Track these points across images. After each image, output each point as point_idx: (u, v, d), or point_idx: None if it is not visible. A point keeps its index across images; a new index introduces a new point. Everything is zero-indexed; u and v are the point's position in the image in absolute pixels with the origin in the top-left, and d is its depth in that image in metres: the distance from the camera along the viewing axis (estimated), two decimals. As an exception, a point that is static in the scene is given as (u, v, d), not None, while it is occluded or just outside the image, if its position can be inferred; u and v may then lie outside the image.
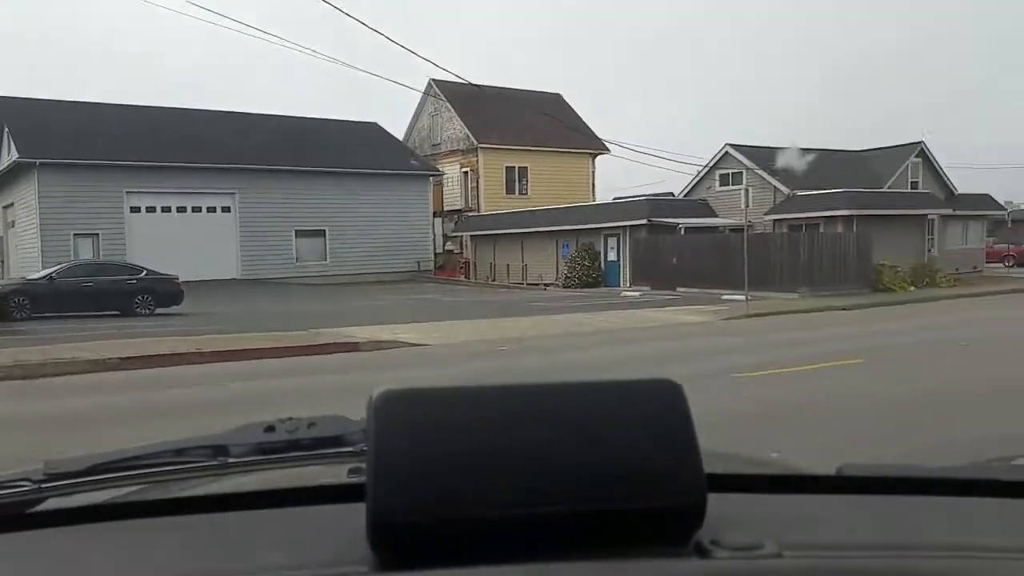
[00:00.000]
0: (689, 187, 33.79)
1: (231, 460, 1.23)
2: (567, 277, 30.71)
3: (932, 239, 31.16)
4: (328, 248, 32.59)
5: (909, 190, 32.54)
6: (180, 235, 29.24)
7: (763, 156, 31.23)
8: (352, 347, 12.16)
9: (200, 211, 30.65)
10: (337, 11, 17.88)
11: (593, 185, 40.23)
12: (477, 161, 37.43)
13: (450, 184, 38.58)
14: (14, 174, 29.14)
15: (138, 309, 19.36)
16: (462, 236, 37.44)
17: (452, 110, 38.13)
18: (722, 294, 23.05)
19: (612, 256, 30.36)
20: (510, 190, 37.91)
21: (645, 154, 68.13)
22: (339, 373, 9.93)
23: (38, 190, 27.53)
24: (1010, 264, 39.02)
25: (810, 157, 31.22)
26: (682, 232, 28.71)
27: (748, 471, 1.25)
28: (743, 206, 21.15)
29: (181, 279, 20.57)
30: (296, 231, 31.88)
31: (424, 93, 37.94)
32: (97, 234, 28.33)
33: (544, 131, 36.44)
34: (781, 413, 7.42)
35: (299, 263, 31.87)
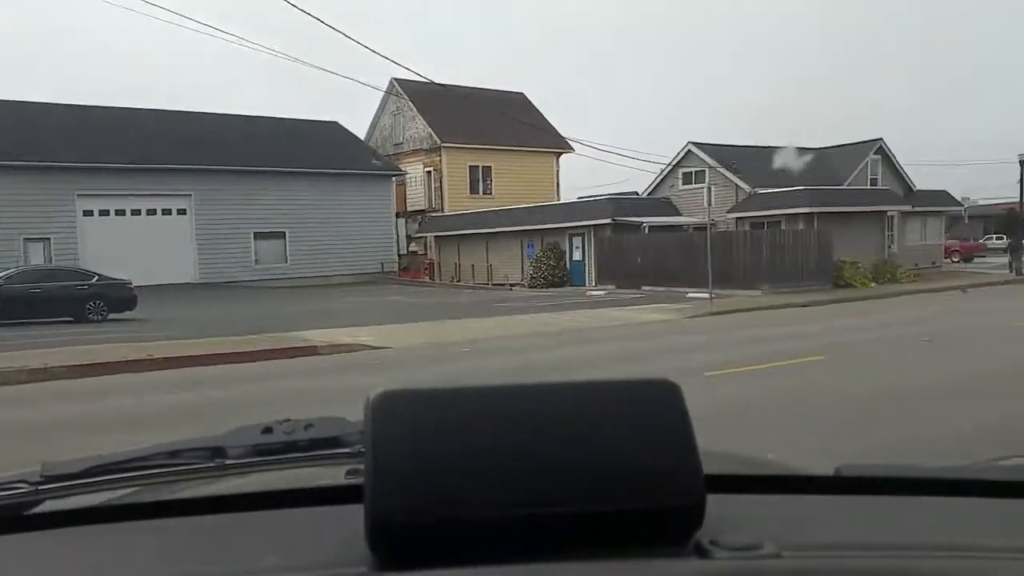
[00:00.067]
0: (653, 186, 33.84)
1: (228, 462, 1.22)
2: (532, 277, 30.57)
3: (892, 235, 31.57)
4: (288, 250, 32.06)
5: (869, 187, 32.95)
6: (135, 239, 28.54)
7: (725, 154, 31.41)
8: (310, 351, 11.85)
9: (155, 214, 29.95)
10: (295, 8, 17.51)
11: (558, 184, 40.15)
12: (440, 161, 37.11)
13: (413, 184, 38.22)
14: (-41, 177, 28.23)
15: (90, 315, 18.84)
16: (426, 237, 37.10)
17: (414, 109, 37.76)
18: (687, 292, 23.12)
19: (577, 255, 30.30)
20: (474, 190, 37.66)
21: (609, 152, 68.33)
22: (295, 378, 9.65)
23: (-16, 193, 26.72)
24: (956, 260, 39.73)
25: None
26: (646, 231, 28.72)
27: (747, 472, 1.25)
28: (706, 204, 21.20)
29: (137, 284, 20.07)
30: (255, 233, 31.30)
31: (386, 92, 37.54)
32: (48, 238, 27.56)
33: (508, 130, 36.25)
34: (743, 411, 7.35)
35: (259, 266, 31.30)
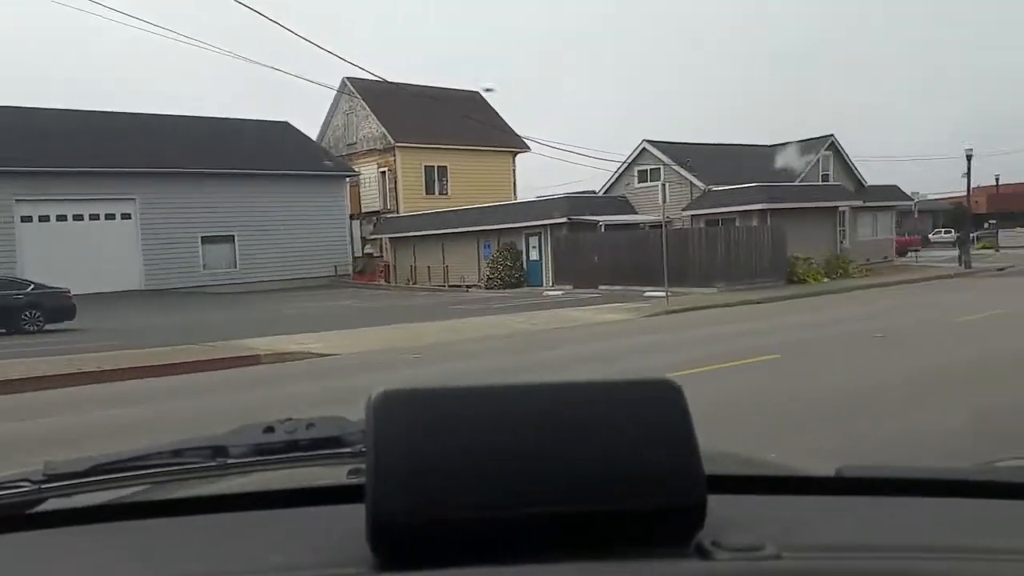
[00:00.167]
0: (608, 184, 33.76)
1: (230, 461, 1.22)
2: (489, 278, 30.27)
3: (844, 231, 31.93)
4: (238, 254, 31.25)
5: (821, 183, 33.29)
6: (77, 245, 27.54)
7: (680, 152, 31.45)
8: (252, 360, 11.36)
9: (98, 219, 28.96)
10: (242, 6, 16.94)
11: (515, 184, 39.90)
12: (395, 161, 36.59)
13: (367, 185, 37.64)
14: None
15: (26, 326, 18.12)
16: (381, 238, 36.54)
17: (367, 108, 37.18)
18: (644, 291, 23.06)
19: (534, 255, 30.08)
20: (430, 190, 37.22)
21: (565, 151, 68.05)
22: (230, 392, 9.18)
23: (-86, 199, 25.56)
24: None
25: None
26: (602, 229, 28.60)
27: (748, 472, 1.25)
28: (661, 202, 21.15)
29: (79, 292, 19.38)
30: (202, 237, 30.46)
31: (338, 91, 36.92)
32: (-16, 246, 26.46)
33: (464, 130, 35.87)
34: (710, 413, 7.11)
35: (206, 271, 30.46)
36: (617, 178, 33.33)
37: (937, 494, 1.06)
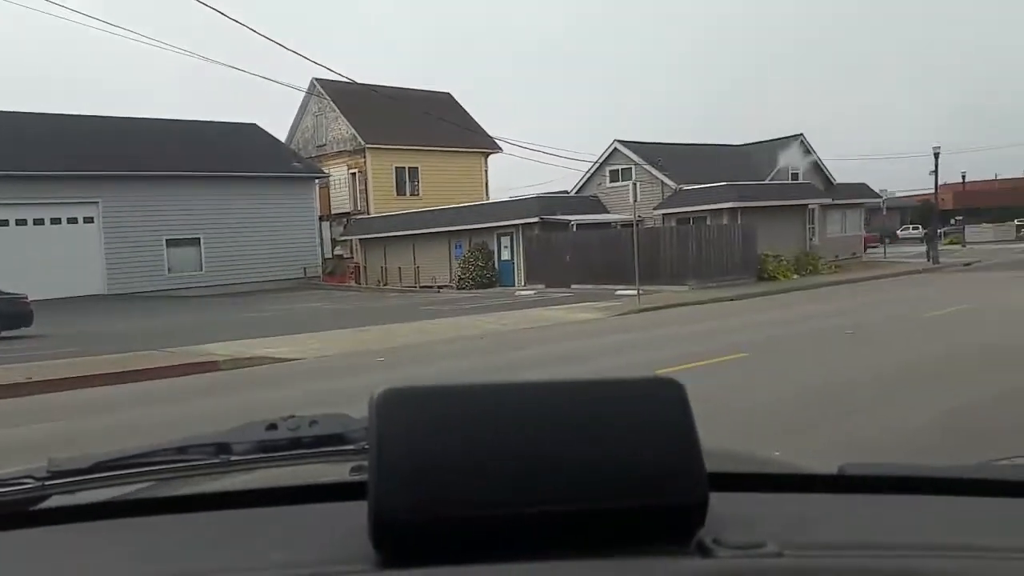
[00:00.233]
0: (580, 184, 33.69)
1: (233, 458, 1.22)
2: (461, 278, 30.05)
3: (813, 228, 32.14)
4: (204, 257, 30.67)
5: (790, 181, 33.49)
6: (38, 250, 26.82)
7: (651, 152, 31.47)
8: (210, 367, 11.03)
9: (60, 222, 28.26)
10: (211, 9, 16.58)
11: (486, 184, 39.70)
12: (365, 162, 36.21)
13: (338, 186, 37.23)
14: None
15: (-21, 333, 17.50)
16: (351, 240, 36.14)
17: (337, 110, 36.77)
18: (616, 289, 23.00)
19: (506, 255, 29.90)
20: (401, 191, 36.89)
21: (537, 151, 68.00)
22: (178, 402, 8.82)
23: None
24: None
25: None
26: (574, 229, 28.50)
27: (750, 470, 1.24)
28: (632, 201, 21.10)
29: (39, 297, 18.81)
30: (167, 240, 29.84)
31: (307, 92, 36.44)
32: (-60, 251, 25.71)
33: (434, 130, 35.56)
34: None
35: (172, 274, 29.86)
36: (589, 178, 33.27)
37: (939, 492, 1.05)
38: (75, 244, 28.10)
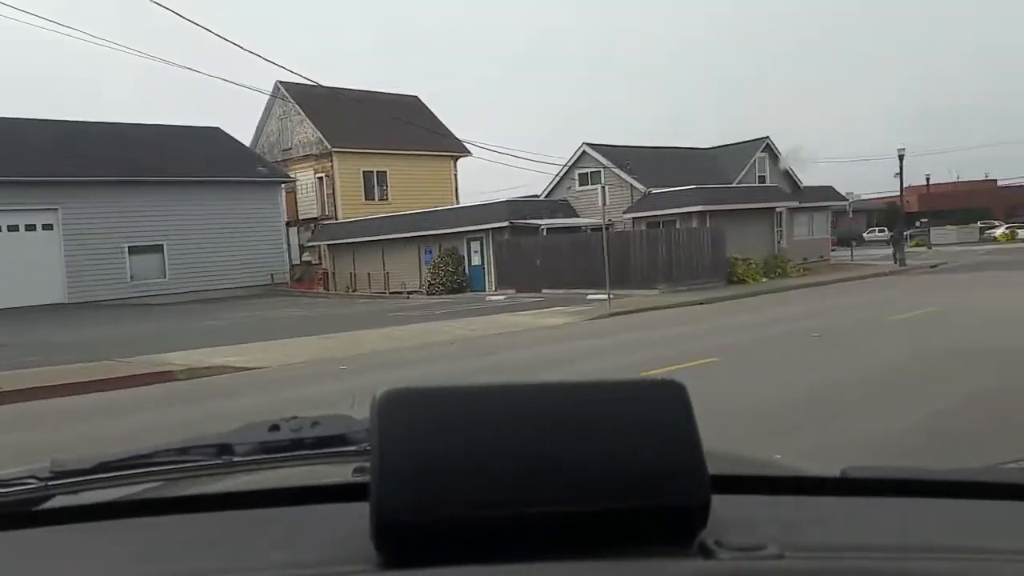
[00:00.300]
0: (550, 187, 33.59)
1: (236, 459, 1.22)
2: (431, 284, 29.76)
3: (781, 231, 32.34)
4: (167, 265, 30.01)
5: (758, 184, 33.68)
6: (-6, 258, 26.10)
7: (620, 155, 31.46)
8: (166, 377, 10.65)
9: (17, 230, 27.46)
10: (169, 11, 16.18)
11: (456, 188, 39.47)
12: (332, 166, 35.78)
13: (304, 191, 36.74)
14: None
15: (-69, 344, 16.89)
16: (319, 245, 35.66)
17: (302, 113, 36.29)
18: (587, 294, 22.90)
19: (476, 260, 29.68)
20: (369, 196, 36.51)
21: (506, 155, 67.85)
22: (126, 414, 8.45)
23: None
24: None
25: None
26: (544, 233, 28.36)
27: (752, 472, 1.24)
28: (600, 204, 20.99)
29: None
30: (129, 247, 29.14)
31: (271, 96, 35.98)
32: None
33: (402, 134, 35.25)
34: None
35: (134, 282, 29.17)
36: (558, 181, 33.18)
37: (941, 495, 1.05)
38: (34, 252, 27.32)
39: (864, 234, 58.20)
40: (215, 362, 11.68)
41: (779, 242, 31.55)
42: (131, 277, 29.27)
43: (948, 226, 57.79)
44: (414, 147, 36.82)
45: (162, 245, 29.84)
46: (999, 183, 72.03)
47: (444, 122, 39.97)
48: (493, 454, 0.74)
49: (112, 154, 28.63)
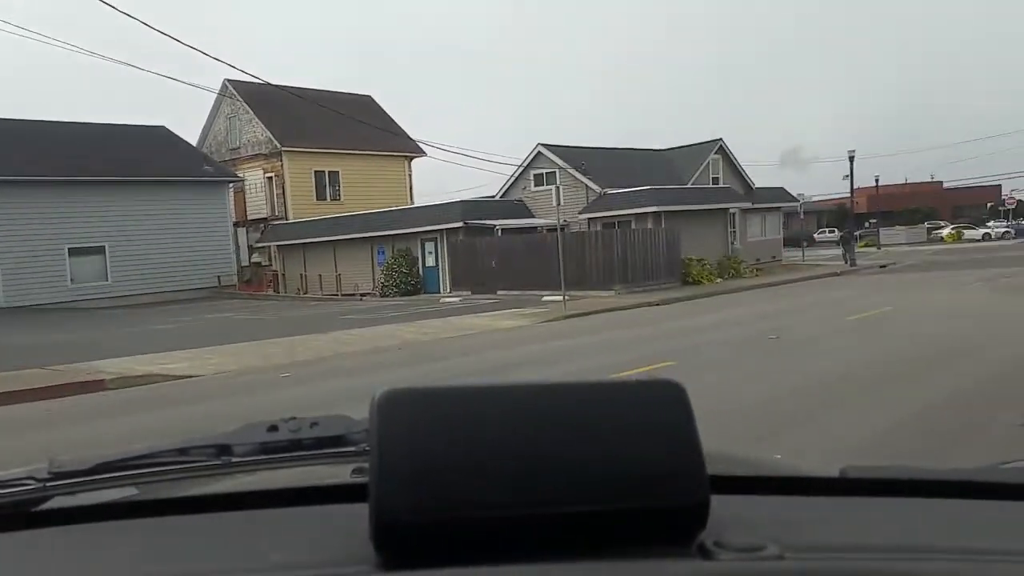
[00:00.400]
0: (505, 188, 33.25)
1: (235, 460, 1.22)
2: (384, 285, 29.18)
3: (734, 232, 32.49)
4: (109, 266, 28.93)
5: (711, 185, 33.79)
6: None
7: (575, 155, 31.25)
8: (95, 386, 10.02)
9: (-52, 232, 26.24)
10: (114, 9, 15.41)
11: (411, 188, 38.87)
12: (282, 166, 34.92)
13: (253, 191, 35.81)
14: None
15: None
16: (269, 247, 34.77)
17: (251, 112, 35.35)
18: (542, 295, 22.62)
19: (431, 261, 29.18)
20: (321, 196, 35.73)
21: (462, 155, 67.63)
22: (44, 429, 7.87)
23: None
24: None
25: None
26: (499, 234, 28.00)
27: (751, 473, 1.23)
28: (555, 204, 20.74)
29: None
30: (69, 249, 28.02)
31: (219, 94, 35.00)
32: None
33: (356, 133, 34.57)
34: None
35: (74, 285, 28.06)
36: (514, 182, 32.86)
37: (940, 495, 1.05)
38: (-35, 254, 26.11)
39: (815, 235, 59.06)
40: (148, 370, 11.05)
41: (733, 243, 31.68)
42: (71, 280, 28.16)
43: (897, 227, 58.97)
44: (367, 147, 36.16)
45: (104, 247, 28.77)
46: (944, 185, 73.91)
47: (399, 122, 39.40)
48: (492, 454, 0.73)
49: (52, 153, 27.54)
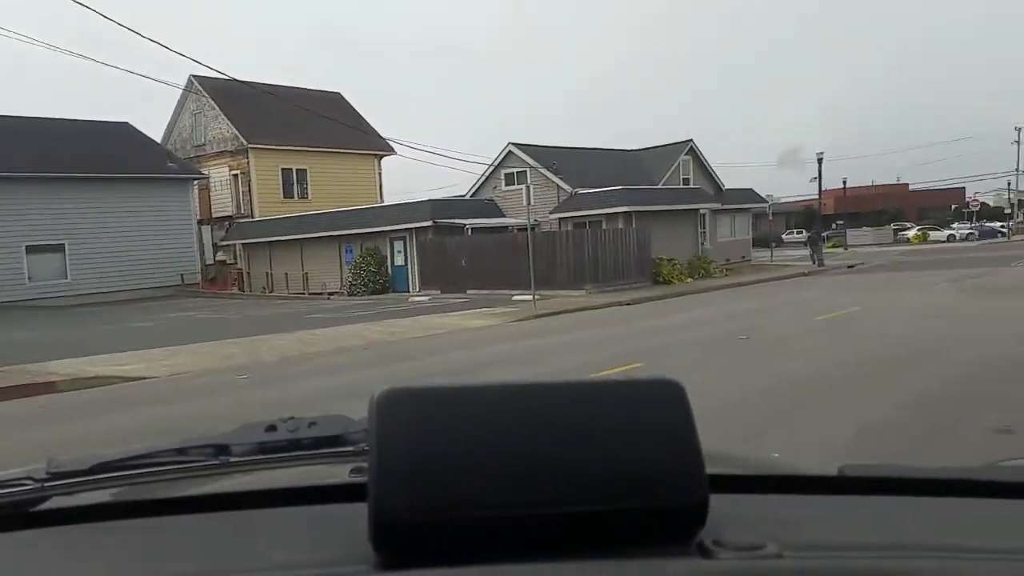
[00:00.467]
0: (476, 187, 33.00)
1: (233, 459, 1.21)
2: (352, 284, 28.80)
3: (704, 232, 32.56)
4: (68, 265, 28.22)
5: (682, 186, 33.84)
6: None
7: (546, 155, 31.10)
8: (46, 388, 9.63)
9: (-101, 228, 25.40)
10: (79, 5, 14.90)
11: (380, 187, 38.46)
12: (248, 163, 34.33)
13: (219, 188, 35.18)
14: None
15: None
16: (234, 245, 34.16)
17: (217, 108, 34.72)
18: (512, 295, 22.44)
19: (399, 260, 28.85)
20: (288, 193, 35.20)
21: (432, 153, 67.09)
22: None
23: None
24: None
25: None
26: (469, 233, 27.76)
27: (750, 472, 1.24)
28: (526, 203, 20.58)
29: None
30: (27, 247, 27.30)
31: (184, 90, 34.29)
32: None
33: (324, 131, 34.08)
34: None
35: (32, 283, 27.33)
36: (484, 181, 32.62)
37: (939, 494, 1.05)
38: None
39: (783, 236, 59.60)
40: (101, 372, 10.66)
41: (703, 243, 31.74)
42: (29, 278, 27.43)
43: (864, 228, 59.72)
44: (336, 144, 35.70)
45: (63, 244, 28.07)
46: (910, 187, 75.07)
47: (369, 120, 38.98)
48: (491, 454, 0.73)
49: (9, 148, 26.77)
